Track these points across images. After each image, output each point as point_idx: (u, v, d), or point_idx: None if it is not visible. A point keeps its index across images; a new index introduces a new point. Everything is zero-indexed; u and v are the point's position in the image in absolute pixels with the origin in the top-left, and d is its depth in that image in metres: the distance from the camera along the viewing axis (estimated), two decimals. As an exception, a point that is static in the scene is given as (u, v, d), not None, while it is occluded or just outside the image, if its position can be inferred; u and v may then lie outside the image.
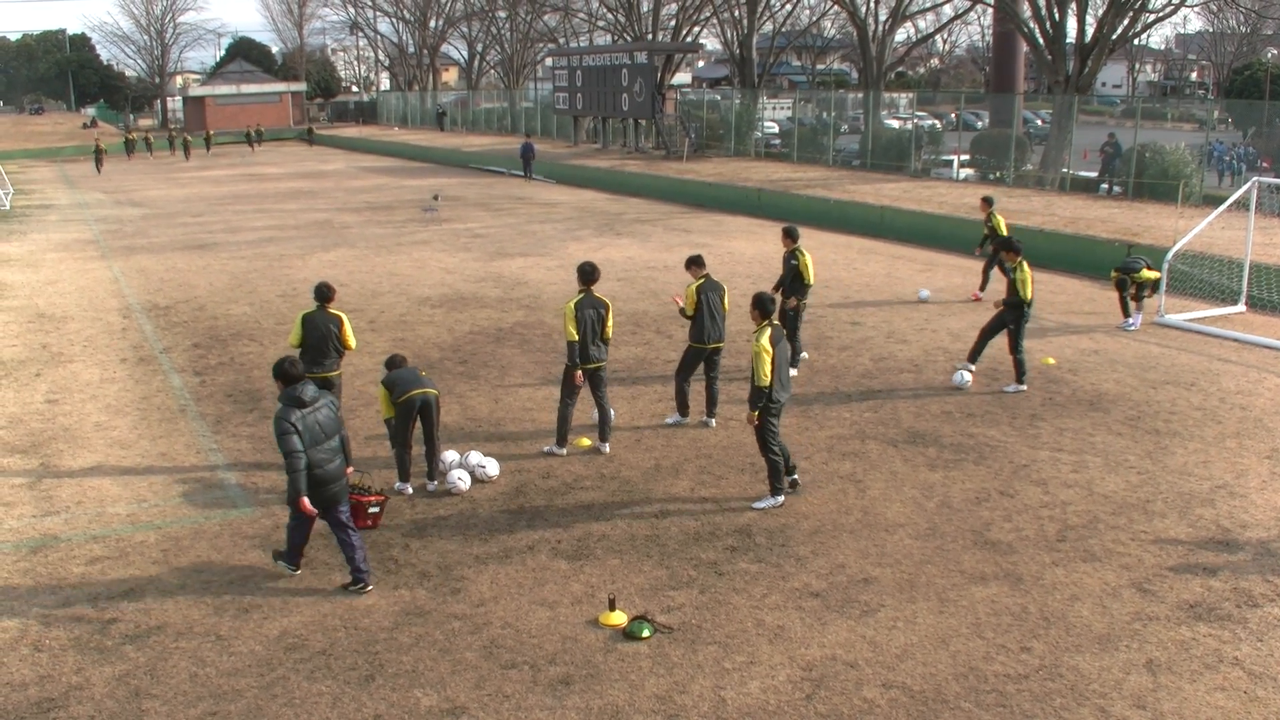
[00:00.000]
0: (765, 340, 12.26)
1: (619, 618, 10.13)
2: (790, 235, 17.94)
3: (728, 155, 54.29)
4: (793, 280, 17.80)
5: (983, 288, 23.88)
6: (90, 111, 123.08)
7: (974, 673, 9.19)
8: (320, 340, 13.99)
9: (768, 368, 12.23)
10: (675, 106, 60.87)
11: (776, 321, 12.67)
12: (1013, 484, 13.27)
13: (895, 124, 53.03)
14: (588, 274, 14.40)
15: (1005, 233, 22.79)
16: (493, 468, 13.74)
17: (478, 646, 9.80)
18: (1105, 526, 12.02)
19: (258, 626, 10.26)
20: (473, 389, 17.63)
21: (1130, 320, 20.95)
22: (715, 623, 10.12)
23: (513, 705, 8.88)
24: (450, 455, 13.95)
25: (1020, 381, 17.09)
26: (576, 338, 14.01)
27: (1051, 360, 18.52)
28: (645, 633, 9.88)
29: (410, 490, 13.40)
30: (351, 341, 14.30)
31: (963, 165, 43.90)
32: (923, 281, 25.45)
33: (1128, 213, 31.94)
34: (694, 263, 15.69)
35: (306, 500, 10.49)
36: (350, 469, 11.11)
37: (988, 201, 23.83)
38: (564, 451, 14.63)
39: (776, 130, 59.53)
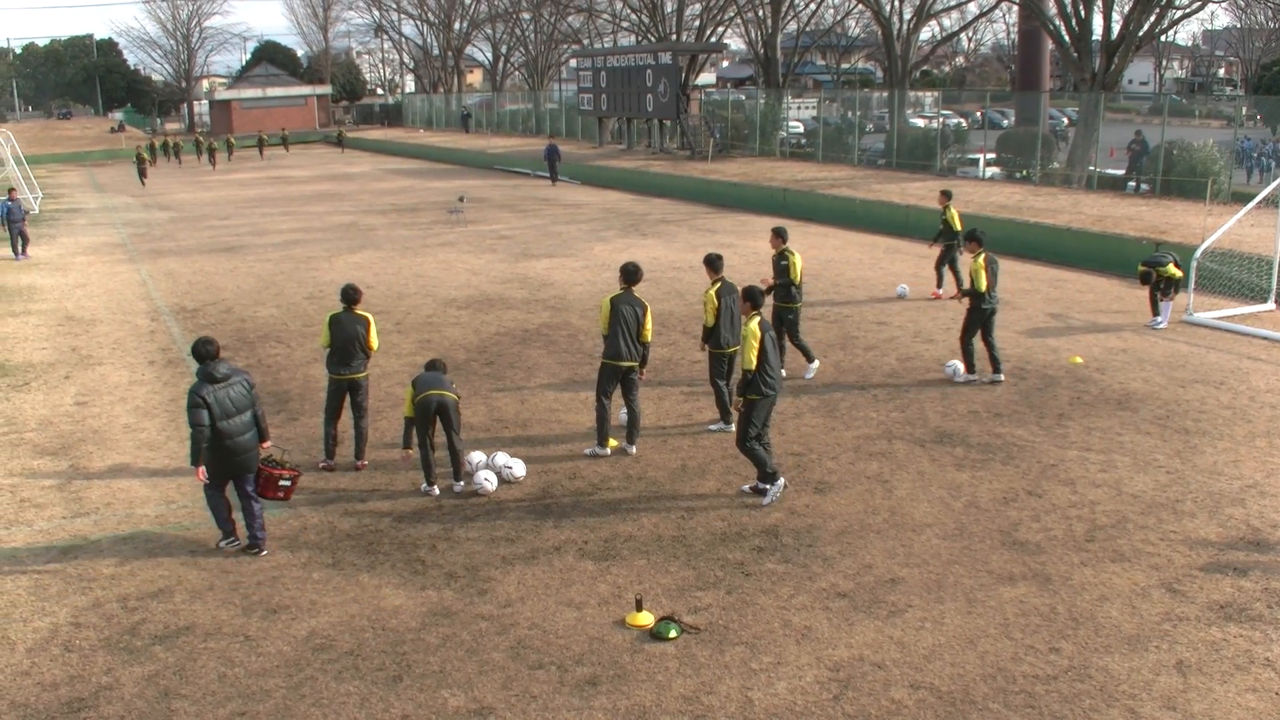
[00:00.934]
0: (754, 325, 12.49)
1: (646, 618, 10.12)
2: (779, 235, 17.62)
3: (752, 155, 54.22)
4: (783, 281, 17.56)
5: (939, 284, 23.95)
6: (118, 116, 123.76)
7: (1002, 673, 9.15)
8: (347, 342, 14.04)
9: (754, 353, 12.42)
10: (700, 107, 60.82)
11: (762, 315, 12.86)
12: (1041, 484, 13.21)
13: (920, 123, 52.85)
14: (631, 273, 14.37)
15: (959, 228, 22.95)
16: (519, 469, 13.75)
17: (505, 647, 9.81)
18: (1134, 526, 11.96)
19: (285, 627, 10.30)
20: (499, 390, 17.65)
21: (1158, 319, 20.84)
22: (742, 623, 10.10)
23: (540, 706, 8.88)
24: (477, 456, 13.97)
25: (970, 371, 17.46)
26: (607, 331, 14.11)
27: (1079, 359, 18.43)
28: (672, 633, 9.87)
29: (437, 491, 13.44)
30: (374, 343, 14.32)
31: (989, 164, 43.71)
32: (948, 281, 25.34)
33: (1155, 210, 31.77)
34: (710, 264, 15.42)
35: (203, 470, 11.45)
36: (268, 444, 12.08)
37: (946, 195, 23.97)
38: (607, 451, 14.55)
39: (801, 130, 59.43)
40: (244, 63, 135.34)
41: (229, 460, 11.59)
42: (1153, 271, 20.84)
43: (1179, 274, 20.86)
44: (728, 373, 15.12)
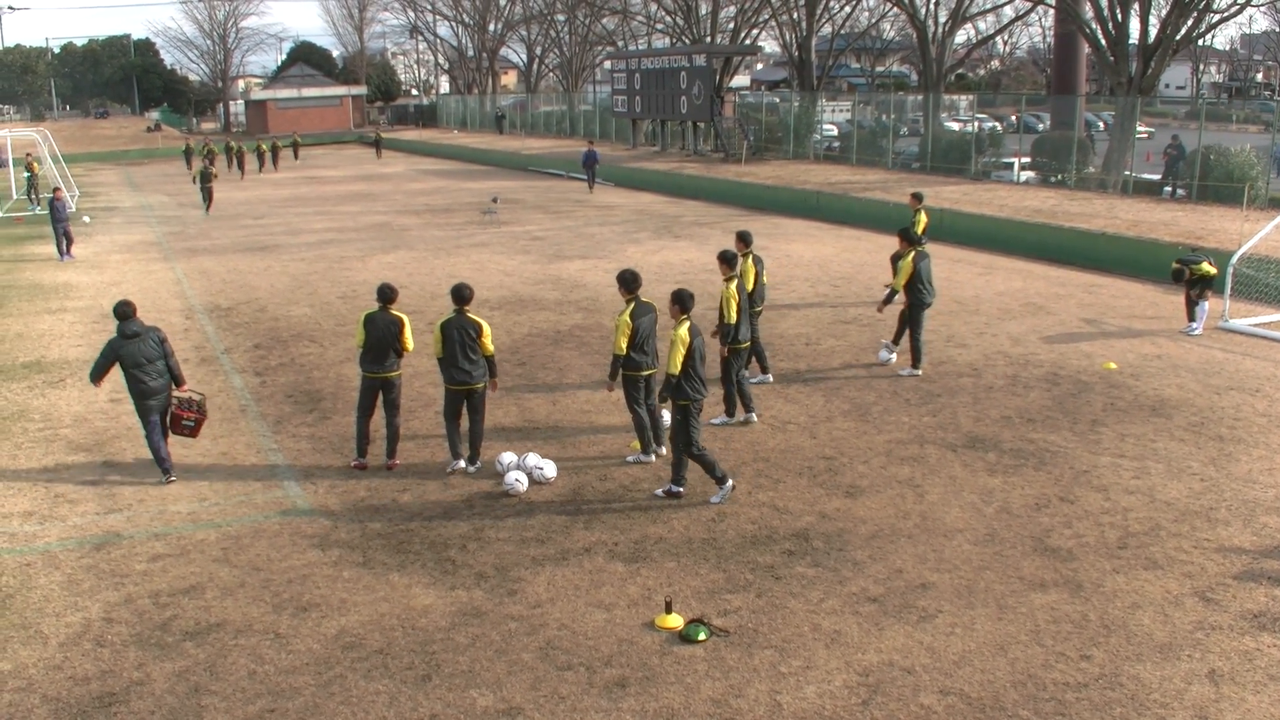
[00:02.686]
0: (683, 331, 12.72)
1: (675, 620, 10.11)
2: (743, 240, 17.14)
3: (786, 158, 54.14)
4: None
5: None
6: (154, 115, 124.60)
7: (1032, 680, 9.10)
8: (380, 341, 14.08)
9: (679, 358, 12.60)
10: (734, 109, 60.76)
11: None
12: (1073, 490, 13.13)
13: (955, 126, 52.60)
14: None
15: (921, 230, 22.52)
16: (550, 469, 13.76)
17: (534, 647, 9.82)
18: (1167, 534, 11.87)
19: (316, 625, 10.34)
20: (530, 391, 17.68)
21: (1193, 325, 20.68)
22: (771, 627, 10.08)
23: (568, 707, 8.89)
24: (508, 457, 13.99)
25: (916, 366, 18.23)
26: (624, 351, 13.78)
27: (1113, 365, 18.31)
28: (701, 636, 9.86)
29: (462, 464, 13.92)
30: (410, 343, 14.31)
31: (1024, 168, 43.49)
32: (982, 285, 25.24)
33: (1191, 216, 31.54)
34: (725, 260, 15.15)
35: (96, 385, 14.37)
36: (185, 386, 14.38)
37: (917, 197, 23.79)
38: (652, 459, 14.40)
39: (835, 133, 59.26)
40: (280, 63, 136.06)
41: (144, 400, 13.85)
42: (1186, 269, 20.67)
43: (1213, 271, 20.63)
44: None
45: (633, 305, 13.85)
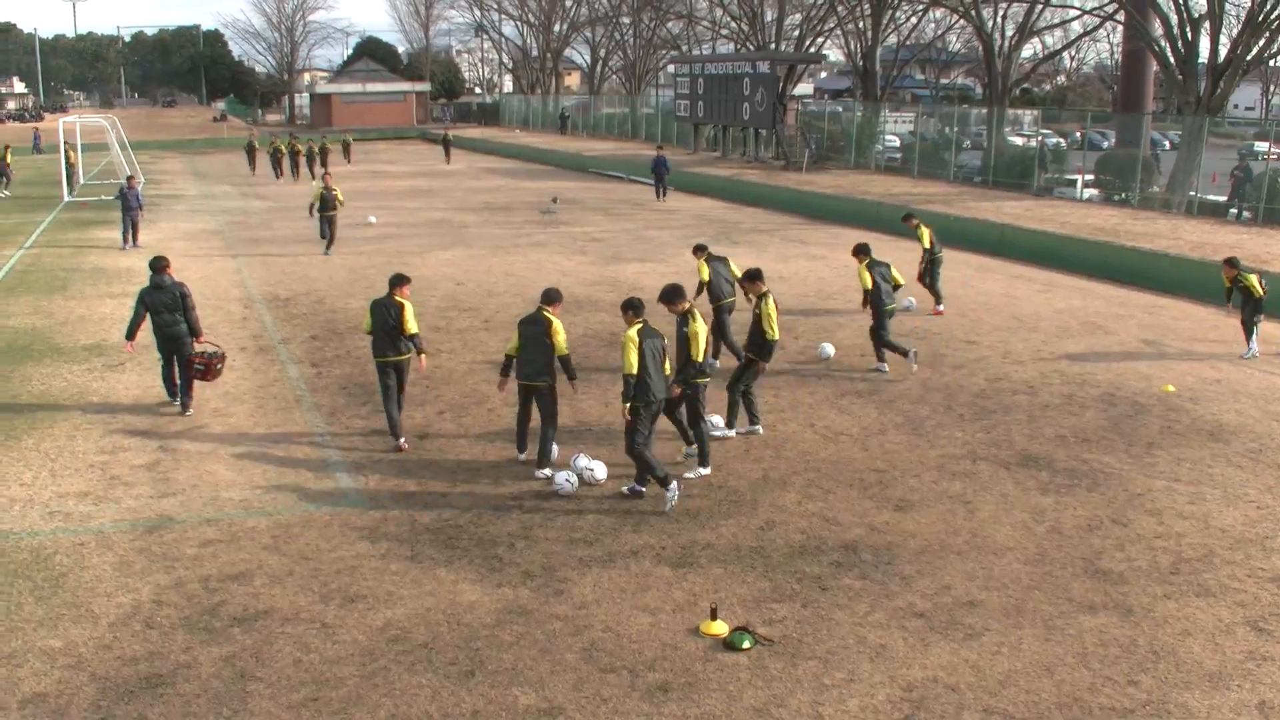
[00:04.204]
0: (632, 332, 12.94)
1: (720, 627, 10.10)
2: (698, 250, 19.74)
3: (847, 167, 53.97)
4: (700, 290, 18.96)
5: (939, 301, 24.21)
6: (220, 106, 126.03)
7: (1078, 703, 9.01)
8: (383, 325, 14.93)
9: (633, 357, 12.76)
10: (796, 117, 60.63)
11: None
12: (1126, 513, 12.99)
13: (1019, 141, 52.28)
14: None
15: (928, 245, 23.98)
16: (600, 471, 13.77)
17: (578, 648, 9.84)
18: (1221, 561, 11.72)
19: (362, 616, 10.41)
20: (583, 392, 17.69)
21: (1249, 349, 20.37)
22: (816, 638, 10.05)
23: (610, 709, 8.90)
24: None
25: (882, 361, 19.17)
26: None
27: (1172, 388, 18.10)
28: (746, 644, 9.85)
29: (547, 471, 13.87)
30: (410, 326, 14.98)
31: (1087, 185, 43.11)
32: (1041, 303, 25.05)
33: (1257, 239, 31.15)
34: (754, 277, 15.46)
35: (131, 344, 17.06)
36: (202, 338, 16.64)
37: (909, 217, 25.02)
38: (707, 470, 14.24)
39: (897, 144, 59.04)
40: (345, 57, 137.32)
41: (165, 342, 16.43)
42: (1236, 272, 20.32)
43: (1260, 291, 20.23)
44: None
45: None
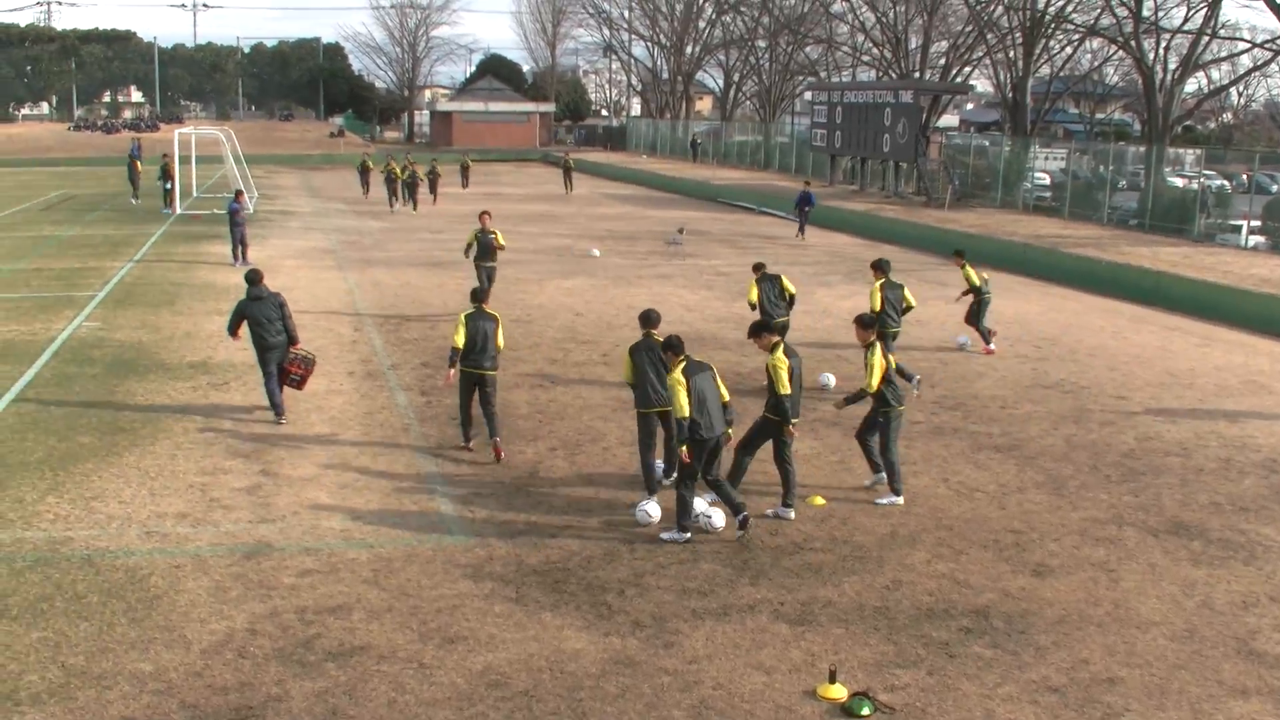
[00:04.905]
0: (678, 373, 13.22)
1: (839, 691, 9.98)
2: (755, 269, 21.53)
3: (992, 206, 53.45)
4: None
5: (987, 340, 24.26)
6: (338, 121, 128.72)
7: (1231, 796, 8.75)
8: (474, 338, 16.24)
9: (683, 399, 13.03)
10: (939, 150, 60.22)
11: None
12: (1290, 591, 12.62)
13: (1179, 182, 51.29)
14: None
15: (977, 283, 24.20)
16: (718, 519, 13.70)
17: (686, 705, 9.79)
18: (1395, 649, 11.33)
19: (461, 659, 10.47)
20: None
21: None
22: (941, 708, 9.88)
23: (719, 772, 8.83)
24: (652, 508, 14.05)
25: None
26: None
27: (1344, 458, 17.56)
28: (865, 710, 9.71)
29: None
30: (500, 342, 16.60)
31: (1253, 232, 42.12)
32: (1198, 358, 24.49)
33: None
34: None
35: (233, 337, 18.11)
36: (297, 345, 17.86)
37: (960, 254, 25.36)
38: (792, 515, 14.33)
39: (1047, 182, 58.24)
40: (468, 75, 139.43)
41: (264, 352, 17.49)
42: None
43: None
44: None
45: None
